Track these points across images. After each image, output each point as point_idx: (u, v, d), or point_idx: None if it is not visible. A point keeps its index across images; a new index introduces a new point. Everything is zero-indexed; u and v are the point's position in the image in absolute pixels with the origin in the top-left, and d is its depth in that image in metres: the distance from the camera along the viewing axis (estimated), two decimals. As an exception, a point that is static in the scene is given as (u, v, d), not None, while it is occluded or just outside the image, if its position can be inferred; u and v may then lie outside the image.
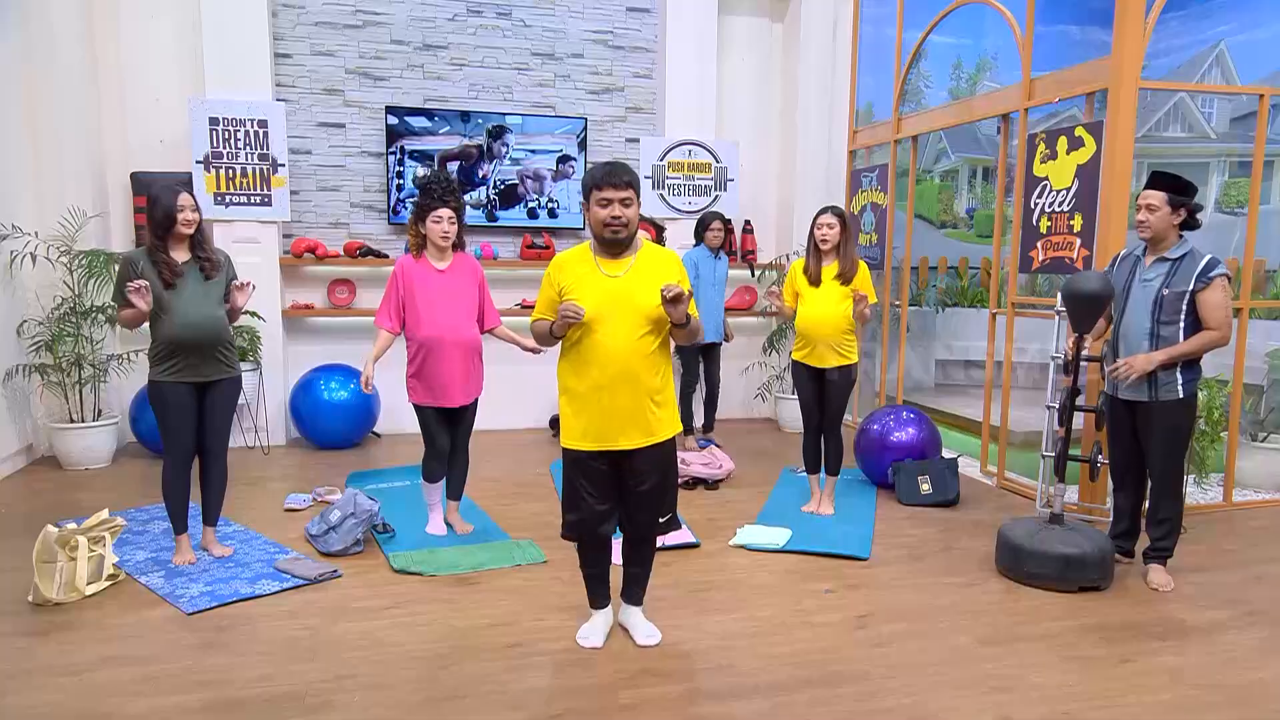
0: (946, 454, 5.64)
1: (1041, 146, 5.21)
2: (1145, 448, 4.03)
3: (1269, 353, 5.97)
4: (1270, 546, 4.63)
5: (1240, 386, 5.19)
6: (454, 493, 4.58)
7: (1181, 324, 3.82)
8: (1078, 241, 4.93)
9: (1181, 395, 3.88)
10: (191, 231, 3.86)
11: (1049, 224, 5.15)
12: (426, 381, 4.27)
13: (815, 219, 4.83)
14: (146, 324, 3.83)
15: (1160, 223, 3.86)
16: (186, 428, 3.93)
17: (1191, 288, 3.79)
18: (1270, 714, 2.90)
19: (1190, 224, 3.90)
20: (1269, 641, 3.42)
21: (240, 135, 6.32)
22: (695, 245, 6.49)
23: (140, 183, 6.29)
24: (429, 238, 4.21)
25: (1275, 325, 5.98)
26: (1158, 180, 3.90)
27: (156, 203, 3.80)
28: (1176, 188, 3.86)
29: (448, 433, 4.40)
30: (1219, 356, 5.27)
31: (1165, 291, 3.84)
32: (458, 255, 4.32)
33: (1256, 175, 5.00)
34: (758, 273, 7.54)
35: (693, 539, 4.47)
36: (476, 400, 4.43)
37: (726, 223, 6.56)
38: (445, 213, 4.17)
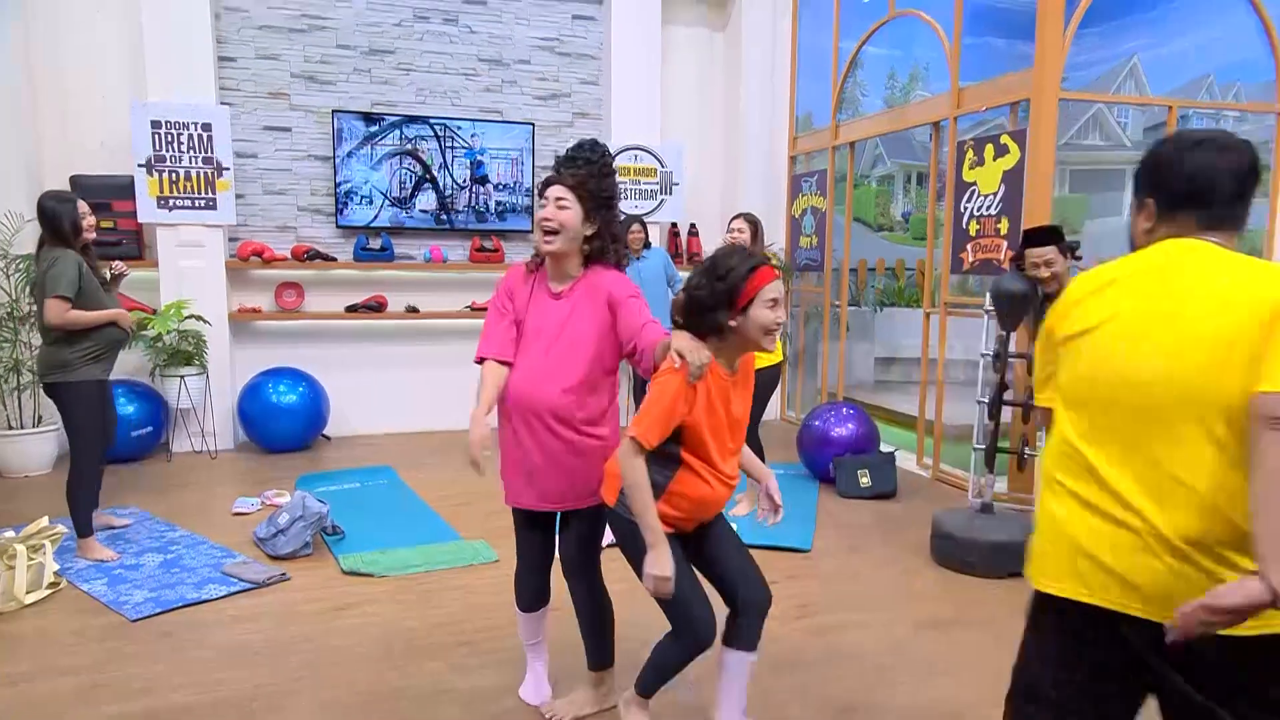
0: (885, 448, 5.71)
1: (970, 153, 5.31)
2: None
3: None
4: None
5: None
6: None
7: None
8: (1004, 244, 5.03)
9: None
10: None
11: (978, 227, 5.26)
12: None
13: (729, 227, 4.92)
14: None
15: (1062, 272, 4.00)
16: (102, 421, 4.12)
17: None
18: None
19: (1074, 255, 4.08)
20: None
21: (184, 139, 6.15)
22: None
23: (80, 186, 6.07)
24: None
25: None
26: (1040, 237, 4.01)
27: (58, 215, 3.93)
28: (1058, 237, 4.02)
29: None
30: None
31: None
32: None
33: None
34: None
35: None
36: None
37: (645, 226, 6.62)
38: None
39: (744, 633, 2.43)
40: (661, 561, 2.21)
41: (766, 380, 4.85)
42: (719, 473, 2.34)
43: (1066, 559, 1.60)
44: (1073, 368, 1.64)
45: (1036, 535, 1.69)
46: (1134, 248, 1.73)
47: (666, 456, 2.29)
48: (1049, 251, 3.96)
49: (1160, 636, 1.49)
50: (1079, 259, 4.08)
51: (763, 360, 4.77)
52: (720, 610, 2.41)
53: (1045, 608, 1.67)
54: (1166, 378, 1.50)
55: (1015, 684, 1.74)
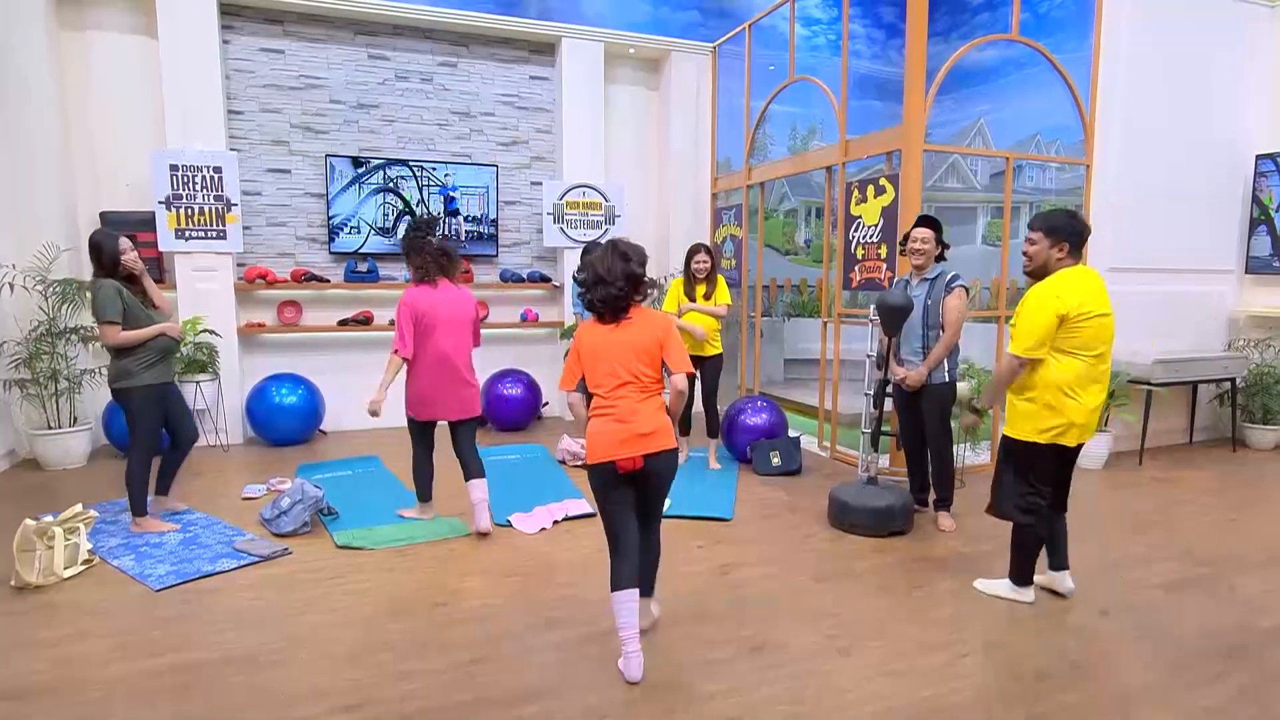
0: (792, 433, 5.79)
1: (855, 192, 5.45)
2: (923, 421, 4.27)
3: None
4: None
5: (1004, 375, 5.55)
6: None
7: (941, 329, 4.11)
8: (884, 266, 5.19)
9: (947, 379, 4.17)
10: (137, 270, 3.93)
11: (863, 252, 5.40)
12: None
13: (692, 255, 5.12)
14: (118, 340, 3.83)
15: (931, 252, 4.14)
16: (161, 420, 4.04)
17: (941, 297, 4.09)
18: (1022, 617, 3.16)
19: (941, 255, 4.22)
20: (1023, 567, 3.68)
21: (198, 180, 6.01)
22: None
23: (108, 220, 5.91)
24: None
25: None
26: (926, 222, 4.18)
27: (99, 249, 3.82)
28: (938, 227, 4.18)
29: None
30: (988, 352, 5.65)
31: (928, 303, 4.13)
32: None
33: (1007, 216, 5.38)
34: (642, 291, 7.64)
35: (591, 509, 4.50)
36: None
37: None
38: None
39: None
40: None
41: (715, 365, 5.28)
42: None
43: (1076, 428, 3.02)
44: (1083, 335, 2.91)
45: (1053, 417, 3.01)
46: (1043, 264, 2.98)
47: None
48: (928, 233, 4.13)
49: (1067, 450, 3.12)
50: (944, 258, 4.23)
51: (710, 350, 5.09)
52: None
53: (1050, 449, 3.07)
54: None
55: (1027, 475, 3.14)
